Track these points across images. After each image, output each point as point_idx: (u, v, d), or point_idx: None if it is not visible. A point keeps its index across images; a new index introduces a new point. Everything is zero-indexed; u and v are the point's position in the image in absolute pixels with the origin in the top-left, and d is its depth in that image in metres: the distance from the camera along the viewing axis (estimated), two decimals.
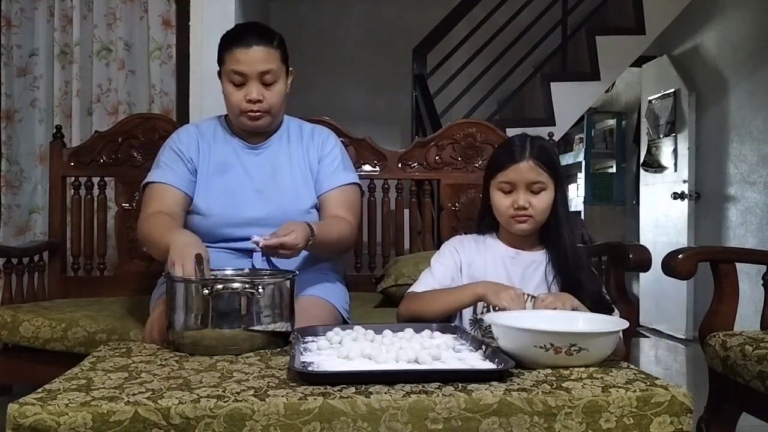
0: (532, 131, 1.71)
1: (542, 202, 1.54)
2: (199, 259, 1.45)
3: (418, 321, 1.49)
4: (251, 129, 1.80)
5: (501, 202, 1.57)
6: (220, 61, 1.78)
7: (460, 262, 1.62)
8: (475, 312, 1.58)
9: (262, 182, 1.80)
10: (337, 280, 1.88)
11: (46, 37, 2.88)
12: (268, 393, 0.99)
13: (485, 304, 1.56)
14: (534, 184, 1.53)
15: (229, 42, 1.75)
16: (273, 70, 1.73)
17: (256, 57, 1.70)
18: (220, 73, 1.80)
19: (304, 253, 1.79)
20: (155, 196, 1.75)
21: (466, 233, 1.73)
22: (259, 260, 1.72)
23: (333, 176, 1.84)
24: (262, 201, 1.78)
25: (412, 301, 1.57)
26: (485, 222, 1.66)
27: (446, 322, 1.55)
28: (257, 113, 1.75)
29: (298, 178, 1.82)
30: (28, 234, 2.87)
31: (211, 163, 1.81)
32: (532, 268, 1.58)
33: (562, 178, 1.58)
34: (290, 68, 1.82)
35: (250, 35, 1.73)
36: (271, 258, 1.68)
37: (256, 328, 1.32)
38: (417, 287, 1.61)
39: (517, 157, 1.54)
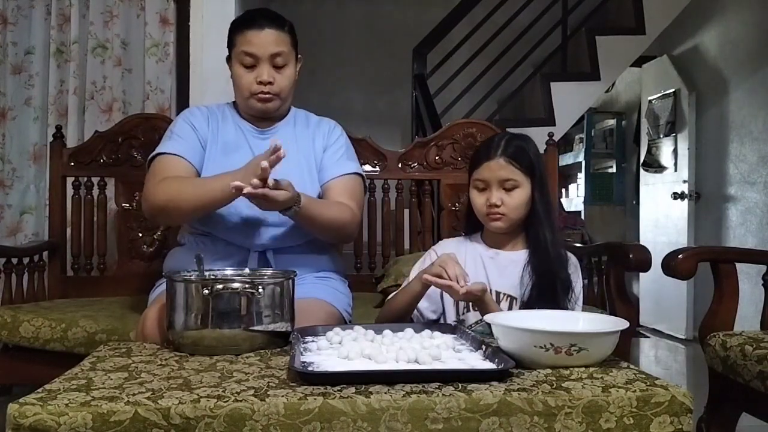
0: (532, 131, 1.73)
1: (515, 199, 1.55)
2: (199, 259, 1.45)
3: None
4: (260, 112, 1.79)
5: (476, 199, 1.59)
6: (231, 44, 1.77)
7: None
8: (458, 313, 1.59)
9: None
10: (340, 282, 1.87)
11: (43, 35, 2.86)
12: (268, 393, 0.99)
13: (465, 304, 1.57)
14: (506, 182, 1.54)
15: (241, 24, 1.75)
16: (284, 53, 1.73)
17: (268, 39, 1.71)
18: (228, 58, 1.79)
19: (306, 256, 1.78)
20: (168, 165, 1.71)
21: (465, 234, 1.73)
22: (254, 261, 1.70)
23: (337, 165, 1.83)
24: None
25: (384, 307, 1.63)
26: (471, 221, 1.67)
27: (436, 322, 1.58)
28: (267, 95, 1.74)
29: (303, 165, 1.80)
30: (19, 235, 2.82)
31: (219, 142, 1.79)
32: (510, 267, 1.58)
33: (541, 176, 1.57)
34: (299, 55, 1.82)
35: (263, 19, 1.74)
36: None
37: (256, 328, 1.32)
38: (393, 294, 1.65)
39: (489, 154, 1.55)
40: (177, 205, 1.64)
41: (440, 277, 1.41)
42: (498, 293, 1.57)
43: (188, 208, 1.64)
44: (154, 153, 1.76)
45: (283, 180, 1.54)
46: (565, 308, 1.51)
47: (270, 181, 1.49)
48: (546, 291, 1.51)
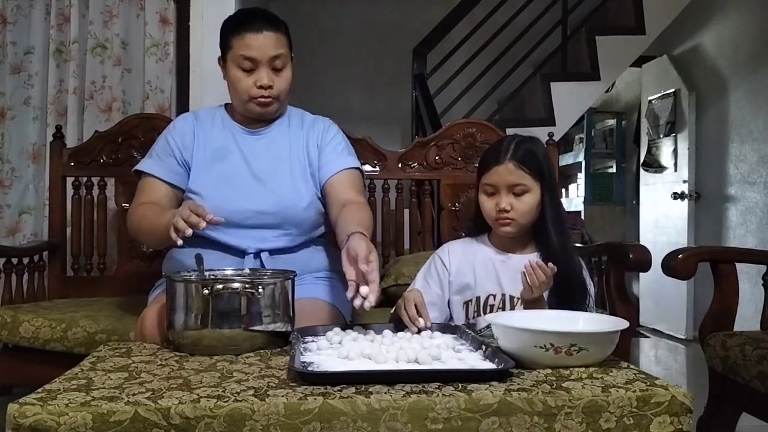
0: (532, 131, 1.71)
1: (525, 204, 1.53)
2: (198, 259, 1.45)
3: None
4: (259, 115, 1.77)
5: (485, 204, 1.57)
6: (226, 46, 1.73)
7: (448, 275, 1.61)
8: (467, 317, 1.58)
9: (261, 169, 1.75)
10: (339, 283, 1.84)
11: (43, 34, 2.86)
12: (268, 393, 0.99)
13: (476, 309, 1.56)
14: (515, 187, 1.52)
15: (238, 26, 1.70)
16: (282, 55, 1.71)
17: (267, 43, 1.68)
18: (221, 59, 1.76)
19: (305, 258, 1.77)
20: (146, 188, 1.76)
21: (466, 234, 1.72)
22: (251, 262, 1.69)
23: (338, 160, 1.79)
24: (260, 190, 1.73)
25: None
26: (479, 223, 1.65)
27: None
28: (267, 99, 1.72)
29: (297, 169, 1.78)
30: (18, 235, 2.81)
31: (208, 149, 1.77)
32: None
33: (551, 179, 1.56)
34: (292, 55, 1.80)
35: (260, 21, 1.70)
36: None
37: (256, 328, 1.32)
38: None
39: (498, 159, 1.53)
40: (141, 236, 1.74)
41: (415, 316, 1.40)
42: (512, 297, 1.55)
43: (148, 240, 1.77)
44: (136, 167, 1.80)
45: (360, 255, 1.39)
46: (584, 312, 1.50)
47: (357, 256, 1.38)
48: (564, 296, 1.49)
